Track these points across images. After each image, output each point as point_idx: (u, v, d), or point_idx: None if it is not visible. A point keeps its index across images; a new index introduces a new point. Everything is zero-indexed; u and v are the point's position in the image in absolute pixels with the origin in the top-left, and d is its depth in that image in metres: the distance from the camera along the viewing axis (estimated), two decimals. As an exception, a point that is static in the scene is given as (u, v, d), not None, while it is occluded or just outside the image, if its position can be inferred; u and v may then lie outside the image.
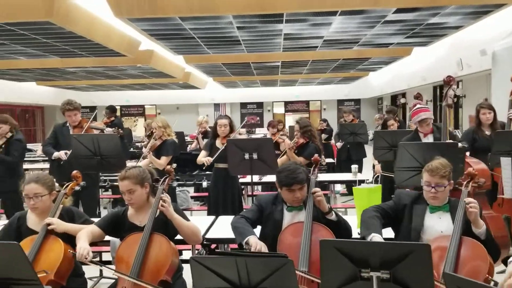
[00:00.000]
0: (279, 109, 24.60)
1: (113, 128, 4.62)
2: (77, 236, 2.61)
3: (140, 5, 7.65)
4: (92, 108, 24.22)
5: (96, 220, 2.91)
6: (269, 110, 24.38)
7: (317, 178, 2.93)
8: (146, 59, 12.73)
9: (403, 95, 19.09)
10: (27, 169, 7.83)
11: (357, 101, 23.76)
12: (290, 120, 25.31)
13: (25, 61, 12.62)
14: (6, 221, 5.03)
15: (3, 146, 4.92)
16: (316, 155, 3.05)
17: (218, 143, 4.67)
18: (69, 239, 2.68)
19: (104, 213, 5.02)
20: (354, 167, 5.60)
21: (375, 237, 2.45)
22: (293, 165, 2.76)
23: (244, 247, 2.54)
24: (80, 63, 13.16)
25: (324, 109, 23.97)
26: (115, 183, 5.52)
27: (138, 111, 24.72)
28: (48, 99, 20.98)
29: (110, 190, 6.33)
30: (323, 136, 9.43)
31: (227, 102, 23.75)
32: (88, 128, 4.60)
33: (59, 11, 7.98)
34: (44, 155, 7.89)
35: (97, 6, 8.69)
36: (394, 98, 20.88)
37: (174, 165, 4.92)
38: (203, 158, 4.58)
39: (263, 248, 2.49)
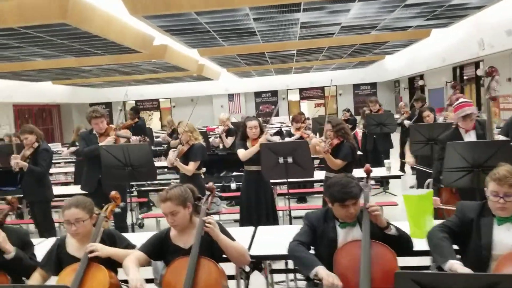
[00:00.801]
0: (294, 97, 24.37)
1: (140, 137, 4.50)
2: (124, 265, 2.51)
3: (155, 2, 7.53)
4: (108, 104, 24.32)
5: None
6: (283, 98, 24.16)
7: (371, 190, 2.73)
8: (160, 54, 12.65)
9: (421, 77, 18.71)
10: (51, 174, 7.83)
11: (373, 85, 23.41)
12: (305, 106, 25.10)
13: (42, 62, 12.62)
14: (33, 230, 5.06)
15: (30, 156, 4.88)
16: (367, 166, 2.85)
17: (248, 144, 4.52)
18: (111, 265, 2.59)
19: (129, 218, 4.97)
20: (388, 161, 5.40)
21: (454, 265, 2.23)
22: (345, 178, 2.56)
23: (313, 279, 2.39)
24: (95, 62, 13.12)
25: (340, 94, 23.67)
26: (142, 188, 5.47)
27: (153, 105, 24.70)
28: (64, 98, 21.10)
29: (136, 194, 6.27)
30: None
31: (241, 92, 23.59)
32: (116, 137, 4.49)
33: (73, 12, 7.91)
34: (72, 157, 7.87)
35: (110, 5, 8.61)
36: (411, 80, 20.50)
37: (204, 169, 4.83)
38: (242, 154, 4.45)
39: (336, 280, 2.31)
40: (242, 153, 4.46)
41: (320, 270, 2.37)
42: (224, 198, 5.38)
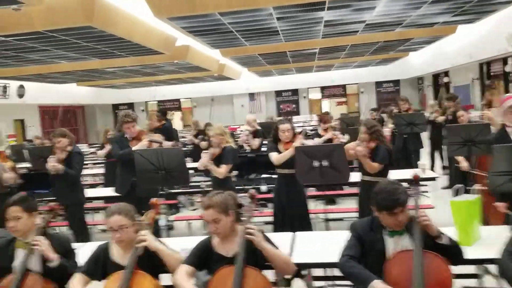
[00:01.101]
0: (315, 95, 24.19)
1: (173, 142, 4.48)
2: (178, 284, 2.47)
3: (180, 4, 7.53)
4: (130, 105, 24.56)
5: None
6: (304, 97, 24.01)
7: (419, 197, 2.63)
8: (182, 54, 12.69)
9: (446, 73, 18.35)
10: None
11: (396, 82, 23.07)
12: (326, 105, 24.89)
13: (67, 65, 12.78)
14: (67, 232, 5.09)
15: (63, 159, 4.90)
16: (416, 173, 2.75)
17: (280, 148, 4.46)
18: (153, 272, 2.56)
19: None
20: (422, 163, 5.27)
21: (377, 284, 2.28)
22: (391, 184, 2.48)
23: None
24: (118, 63, 13.23)
25: (362, 92, 23.41)
26: (171, 190, 5.45)
27: (174, 105, 24.82)
28: (88, 99, 21.38)
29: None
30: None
31: (261, 91, 23.53)
32: (149, 142, 4.47)
33: (99, 15, 7.97)
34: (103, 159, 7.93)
35: (134, 7, 8.65)
36: (435, 77, 20.13)
37: (236, 172, 4.80)
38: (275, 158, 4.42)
39: None
40: (275, 157, 4.40)
41: (377, 284, 2.31)
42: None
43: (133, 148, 4.46)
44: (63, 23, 7.87)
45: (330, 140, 6.42)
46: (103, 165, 8.19)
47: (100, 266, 2.66)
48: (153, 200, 2.83)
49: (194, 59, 13.68)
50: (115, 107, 24.68)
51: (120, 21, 8.80)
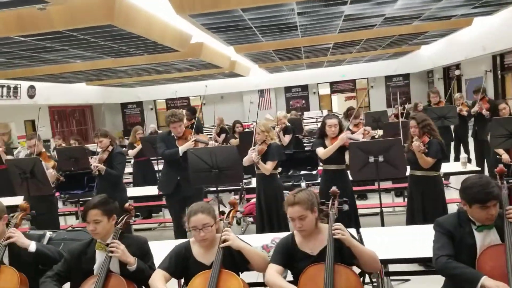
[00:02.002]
0: (325, 90, 24.11)
1: (218, 142, 4.42)
2: (270, 281, 2.42)
3: (203, 1, 7.47)
4: (139, 104, 24.52)
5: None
6: (314, 92, 23.93)
7: (507, 190, 2.57)
8: (196, 52, 12.64)
9: (457, 66, 18.24)
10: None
11: (406, 76, 22.97)
12: (335, 100, 24.79)
13: (80, 64, 12.74)
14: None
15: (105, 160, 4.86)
16: (501, 166, 2.70)
17: (327, 143, 4.40)
18: (236, 271, 2.52)
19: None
20: (464, 156, 5.21)
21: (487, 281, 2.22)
22: (483, 178, 2.42)
23: None
24: (132, 62, 13.18)
25: (372, 86, 23.30)
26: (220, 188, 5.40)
27: (183, 103, 24.75)
28: (96, 98, 21.32)
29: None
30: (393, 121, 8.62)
31: (271, 87, 23.45)
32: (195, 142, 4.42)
33: (120, 14, 7.92)
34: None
35: (152, 4, 8.59)
36: (446, 70, 20.02)
37: (279, 169, 4.75)
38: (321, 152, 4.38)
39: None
40: (322, 152, 4.35)
41: (487, 281, 2.25)
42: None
43: (180, 148, 4.42)
44: (83, 22, 7.82)
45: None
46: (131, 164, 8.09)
47: (182, 264, 2.62)
48: (232, 199, 2.78)
49: (207, 56, 13.62)
50: (124, 106, 24.64)
51: (139, 19, 8.75)
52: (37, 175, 4.33)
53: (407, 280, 3.60)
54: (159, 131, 10.97)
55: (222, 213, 2.73)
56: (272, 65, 18.22)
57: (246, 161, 4.41)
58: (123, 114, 24.78)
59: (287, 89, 23.71)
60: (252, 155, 4.38)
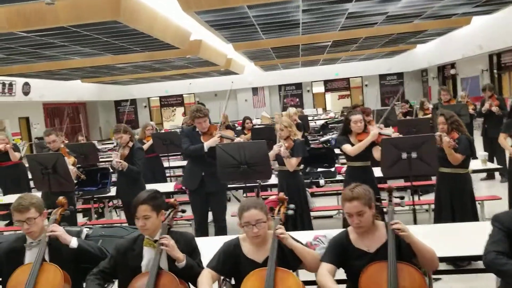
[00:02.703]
0: (319, 89, 24.17)
1: (242, 138, 4.39)
2: (322, 282, 2.39)
3: (210, -3, 7.45)
4: (132, 101, 24.34)
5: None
6: (308, 91, 23.97)
7: None
8: (195, 49, 12.60)
9: (452, 65, 18.37)
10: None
11: (400, 75, 23.11)
12: (329, 98, 24.85)
13: (79, 61, 12.62)
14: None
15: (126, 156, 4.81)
16: None
17: (352, 139, 4.39)
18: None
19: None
20: (483, 154, 5.23)
21: None
22: None
23: None
24: (130, 59, 13.09)
25: (366, 85, 23.41)
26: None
27: (177, 100, 24.66)
28: (90, 95, 21.15)
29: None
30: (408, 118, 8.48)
31: (265, 86, 23.45)
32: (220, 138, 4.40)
33: (126, 10, 7.86)
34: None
35: (156, 1, 8.54)
36: (441, 69, 20.16)
37: (301, 166, 4.74)
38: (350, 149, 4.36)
39: None
40: (350, 149, 4.32)
41: None
42: (313, 195, 5.28)
43: (205, 144, 4.39)
44: (89, 18, 7.74)
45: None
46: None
47: (232, 262, 2.58)
48: (282, 195, 2.75)
49: (205, 53, 13.59)
50: (117, 103, 24.45)
51: (143, 16, 8.69)
52: (59, 170, 4.27)
53: (438, 279, 3.61)
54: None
55: (271, 209, 2.68)
56: (268, 63, 18.22)
57: (272, 156, 4.38)
58: (117, 111, 24.58)
59: (281, 87, 23.70)
60: (281, 150, 4.36)
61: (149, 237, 2.62)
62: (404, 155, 3.69)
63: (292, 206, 2.66)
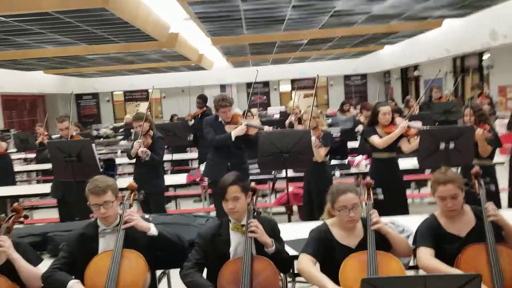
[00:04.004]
0: (286, 87, 24.34)
1: (273, 127, 4.33)
2: (430, 265, 2.38)
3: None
4: (95, 95, 23.59)
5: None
6: (275, 89, 24.10)
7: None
8: (171, 43, 12.36)
9: (415, 67, 18.99)
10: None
11: (364, 76, 23.66)
12: (295, 97, 25.05)
13: (49, 50, 12.07)
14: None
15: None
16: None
17: (379, 131, 4.43)
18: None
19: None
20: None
21: None
22: None
23: None
24: (104, 50, 12.68)
25: (331, 85, 23.81)
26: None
27: (142, 95, 24.11)
28: (51, 88, 20.27)
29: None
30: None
31: (233, 83, 23.36)
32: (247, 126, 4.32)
33: (115, -2, 7.60)
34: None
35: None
36: (404, 71, 20.79)
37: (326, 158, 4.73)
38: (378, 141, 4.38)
39: None
40: (379, 141, 4.36)
41: None
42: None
43: (232, 133, 4.31)
44: (76, 5, 7.43)
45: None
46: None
47: (324, 247, 2.54)
48: (368, 179, 2.73)
49: (181, 47, 13.38)
50: (78, 96, 23.60)
51: (129, 5, 8.44)
52: (84, 158, 4.06)
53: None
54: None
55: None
56: (241, 59, 18.17)
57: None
58: (78, 105, 23.74)
59: (249, 85, 23.68)
60: (312, 140, 4.34)
61: (236, 222, 2.55)
62: (442, 146, 3.77)
63: (379, 190, 2.67)
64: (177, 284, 2.74)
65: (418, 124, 4.44)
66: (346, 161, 5.39)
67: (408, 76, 20.67)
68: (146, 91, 23.94)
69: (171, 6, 9.25)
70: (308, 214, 4.49)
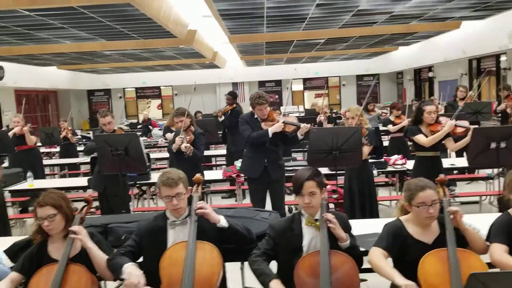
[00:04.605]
0: (298, 87, 24.30)
1: (310, 125, 4.28)
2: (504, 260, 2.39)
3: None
4: (107, 91, 23.63)
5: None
6: (287, 88, 24.04)
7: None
8: (189, 40, 12.35)
9: (429, 68, 18.89)
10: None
11: (376, 76, 23.53)
12: (307, 96, 25.00)
13: (66, 45, 12.09)
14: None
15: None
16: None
17: (424, 129, 4.41)
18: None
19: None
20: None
21: None
22: None
23: None
24: (120, 46, 12.66)
25: (344, 85, 23.75)
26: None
27: (154, 92, 24.13)
28: (64, 83, 20.33)
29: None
30: None
31: (245, 81, 23.33)
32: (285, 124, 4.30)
33: (141, -6, 7.59)
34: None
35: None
36: (417, 72, 20.69)
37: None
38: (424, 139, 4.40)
39: None
40: (425, 140, 4.35)
41: None
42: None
43: (269, 130, 4.29)
44: (102, 0, 7.44)
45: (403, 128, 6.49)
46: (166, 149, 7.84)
47: (399, 243, 2.53)
48: (441, 177, 2.69)
49: (197, 45, 13.37)
50: (90, 93, 23.65)
51: (154, 1, 8.44)
52: (131, 152, 4.05)
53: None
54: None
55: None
56: (255, 57, 18.13)
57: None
58: (89, 101, 23.79)
59: (261, 84, 23.68)
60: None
61: (309, 216, 2.53)
62: (493, 145, 3.74)
63: (452, 187, 2.64)
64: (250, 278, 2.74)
65: (465, 123, 4.41)
66: (382, 160, 5.37)
67: (421, 77, 20.57)
68: (158, 88, 23.97)
69: (192, 3, 9.26)
70: (349, 211, 4.46)
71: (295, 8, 8.87)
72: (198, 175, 2.82)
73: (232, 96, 7.62)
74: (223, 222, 2.61)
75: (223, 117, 7.28)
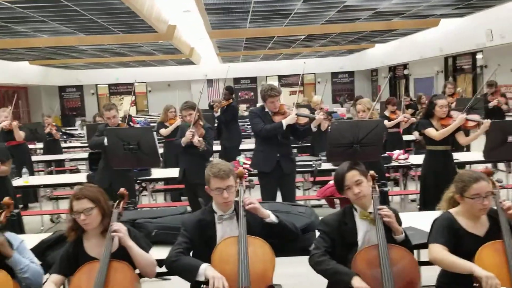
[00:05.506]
0: (273, 83, 24.26)
1: (324, 115, 4.22)
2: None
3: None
4: (79, 87, 23.01)
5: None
6: (262, 85, 23.98)
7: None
8: (169, 35, 12.15)
9: (405, 66, 19.19)
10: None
11: (351, 73, 23.82)
12: (282, 93, 25.02)
13: (43, 39, 11.67)
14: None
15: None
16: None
17: (435, 123, 4.42)
18: None
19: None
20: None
21: None
22: None
23: None
24: (98, 41, 12.32)
25: (319, 82, 23.88)
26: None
27: (127, 89, 23.64)
28: (35, 79, 19.65)
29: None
30: (410, 111, 8.34)
31: (220, 78, 23.14)
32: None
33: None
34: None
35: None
36: (392, 69, 20.96)
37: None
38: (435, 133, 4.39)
39: None
40: (436, 133, 4.36)
41: None
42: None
43: (283, 122, 4.21)
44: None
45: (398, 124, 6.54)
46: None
47: (452, 236, 2.50)
48: (488, 168, 2.67)
49: (176, 40, 13.16)
50: (61, 89, 22.98)
51: (139, -6, 8.23)
52: (144, 146, 3.90)
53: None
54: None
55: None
56: (232, 54, 18.00)
57: None
58: (61, 97, 23.12)
59: (236, 80, 23.55)
60: None
61: (363, 210, 2.47)
62: (510, 139, 3.78)
63: (499, 179, 2.63)
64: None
65: (476, 117, 4.45)
66: (386, 154, 5.39)
67: (396, 75, 20.86)
68: (132, 84, 23.47)
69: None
70: (423, 203, 4.45)
71: (281, 3, 8.81)
72: (240, 169, 2.73)
73: (229, 91, 7.50)
74: (272, 217, 2.55)
75: (219, 112, 7.16)
